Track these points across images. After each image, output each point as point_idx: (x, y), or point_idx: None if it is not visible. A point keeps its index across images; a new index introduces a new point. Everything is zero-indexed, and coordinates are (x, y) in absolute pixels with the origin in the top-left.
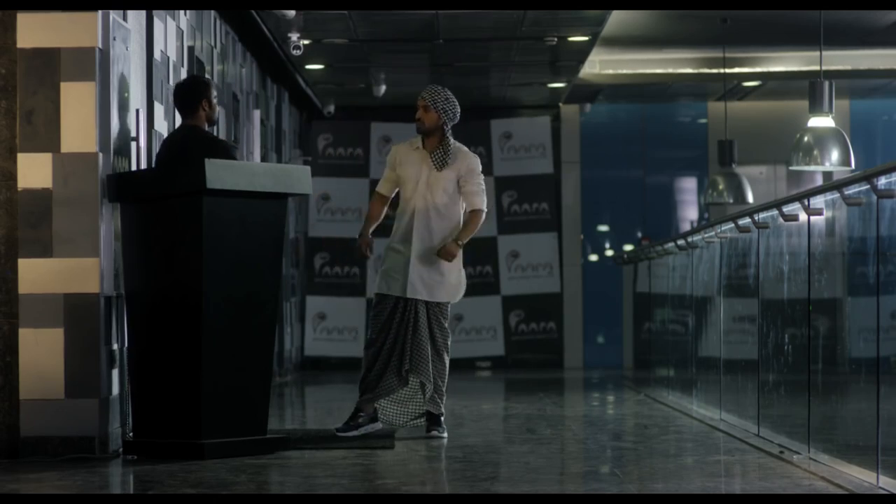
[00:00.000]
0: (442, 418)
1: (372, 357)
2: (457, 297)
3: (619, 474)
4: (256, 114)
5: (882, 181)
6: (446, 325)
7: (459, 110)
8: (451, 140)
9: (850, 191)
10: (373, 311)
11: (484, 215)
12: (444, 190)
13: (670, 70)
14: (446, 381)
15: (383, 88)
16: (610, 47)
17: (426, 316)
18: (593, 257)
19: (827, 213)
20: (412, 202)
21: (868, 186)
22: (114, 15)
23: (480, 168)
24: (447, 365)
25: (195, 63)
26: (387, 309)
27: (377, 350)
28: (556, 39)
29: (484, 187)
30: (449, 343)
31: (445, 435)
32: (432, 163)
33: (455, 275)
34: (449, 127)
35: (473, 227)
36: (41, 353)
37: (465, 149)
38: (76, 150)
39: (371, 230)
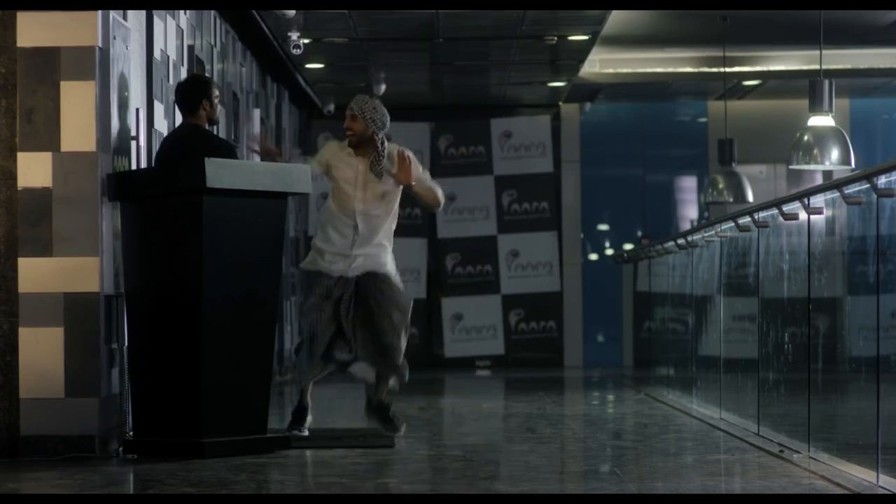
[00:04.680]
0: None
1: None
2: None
3: (619, 473)
4: (256, 113)
5: (882, 180)
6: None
7: (388, 118)
8: (388, 147)
9: (850, 190)
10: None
11: (440, 202)
12: (384, 194)
13: (670, 69)
14: None
15: (383, 87)
16: (610, 46)
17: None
18: (593, 256)
19: (827, 212)
20: (351, 205)
21: (868, 185)
22: (114, 14)
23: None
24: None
25: (195, 62)
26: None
27: None
28: (556, 38)
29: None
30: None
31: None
32: (371, 172)
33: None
34: (380, 136)
35: (431, 191)
36: (41, 352)
37: (396, 146)
38: (76, 149)
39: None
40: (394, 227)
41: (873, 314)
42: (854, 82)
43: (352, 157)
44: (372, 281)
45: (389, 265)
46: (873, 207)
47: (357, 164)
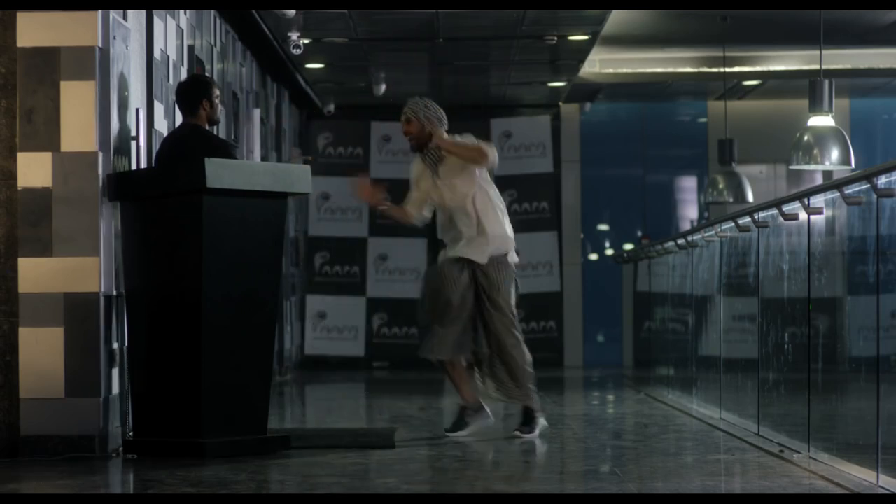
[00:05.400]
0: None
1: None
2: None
3: (619, 473)
4: (256, 113)
5: (882, 180)
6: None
7: (443, 114)
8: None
9: (850, 190)
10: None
11: (483, 151)
12: (461, 182)
13: (670, 69)
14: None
15: (383, 87)
16: (610, 46)
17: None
18: (593, 256)
19: (827, 212)
20: (444, 212)
21: (868, 185)
22: (114, 14)
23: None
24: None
25: (195, 62)
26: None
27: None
28: (556, 38)
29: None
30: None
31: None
32: (433, 172)
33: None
34: (440, 132)
35: (464, 146)
36: (41, 352)
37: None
38: (76, 149)
39: (390, 207)
40: (499, 204)
41: (873, 314)
42: (854, 82)
43: (423, 165)
44: (479, 277)
45: (488, 251)
46: (873, 207)
47: (427, 172)
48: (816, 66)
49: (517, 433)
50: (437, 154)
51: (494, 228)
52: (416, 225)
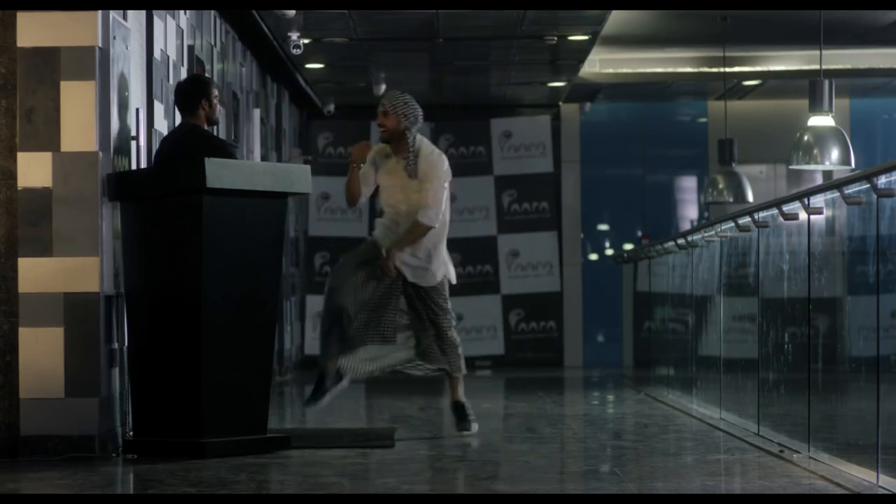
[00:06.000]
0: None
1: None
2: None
3: (619, 473)
4: (256, 113)
5: (882, 180)
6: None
7: (421, 113)
8: (417, 142)
9: (850, 190)
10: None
11: (428, 230)
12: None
13: (670, 69)
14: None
15: (383, 87)
16: (610, 46)
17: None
18: (593, 256)
19: (827, 212)
20: (397, 207)
21: (868, 185)
22: (114, 14)
23: (444, 167)
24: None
25: (195, 62)
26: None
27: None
28: (556, 38)
29: (440, 197)
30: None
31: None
32: (406, 172)
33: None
34: (413, 131)
35: (412, 239)
36: (41, 352)
37: (430, 148)
38: (76, 149)
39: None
40: (443, 231)
41: (873, 314)
42: (854, 82)
43: (391, 160)
44: (421, 294)
45: (438, 275)
46: (873, 207)
47: (396, 170)
48: (816, 66)
49: (464, 433)
50: (415, 160)
51: (437, 255)
52: (351, 205)
